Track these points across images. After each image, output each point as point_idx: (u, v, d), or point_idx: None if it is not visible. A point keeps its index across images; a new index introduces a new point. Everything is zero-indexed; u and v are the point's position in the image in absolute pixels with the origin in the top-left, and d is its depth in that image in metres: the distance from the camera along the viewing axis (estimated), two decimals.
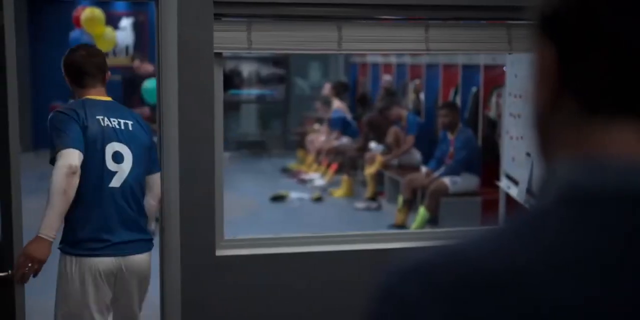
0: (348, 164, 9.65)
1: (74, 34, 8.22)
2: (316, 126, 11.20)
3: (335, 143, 10.37)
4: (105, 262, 3.20)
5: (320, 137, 10.76)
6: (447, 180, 7.36)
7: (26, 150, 12.85)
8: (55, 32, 12.64)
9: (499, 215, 6.01)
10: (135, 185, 3.30)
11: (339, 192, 9.26)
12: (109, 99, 3.43)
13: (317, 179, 10.00)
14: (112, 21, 10.22)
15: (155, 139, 3.44)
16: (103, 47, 8.43)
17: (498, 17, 3.78)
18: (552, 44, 0.73)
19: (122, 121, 3.32)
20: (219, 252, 3.59)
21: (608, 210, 0.67)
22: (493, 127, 7.66)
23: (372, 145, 9.64)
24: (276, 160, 11.85)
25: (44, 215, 3.05)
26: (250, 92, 13.77)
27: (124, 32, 11.33)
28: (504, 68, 6.18)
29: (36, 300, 4.79)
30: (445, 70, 8.98)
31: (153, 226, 3.43)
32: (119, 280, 3.28)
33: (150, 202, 3.46)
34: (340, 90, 11.19)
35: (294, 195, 9.15)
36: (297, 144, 11.68)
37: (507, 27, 3.78)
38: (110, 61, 11.30)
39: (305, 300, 3.67)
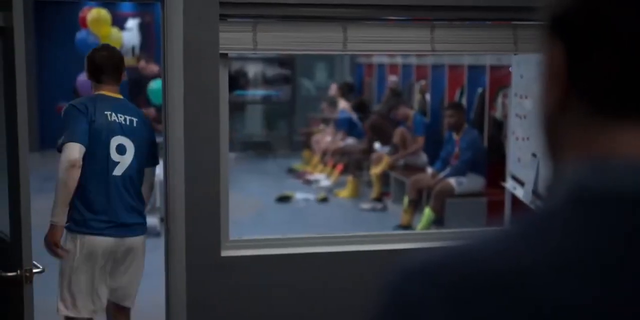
0: (353, 164, 9.65)
1: (80, 34, 8.24)
2: (322, 126, 11.21)
3: (340, 144, 10.38)
4: (105, 242, 3.50)
5: (325, 137, 10.77)
6: (452, 180, 7.36)
7: (32, 151, 12.88)
8: (62, 33, 12.67)
9: (505, 216, 6.01)
10: (135, 175, 3.60)
11: (344, 192, 9.26)
12: (120, 96, 3.72)
13: (323, 179, 10.00)
14: (119, 22, 10.24)
15: (158, 137, 3.83)
16: None
17: (504, 17, 3.79)
18: (561, 44, 0.73)
19: (127, 117, 3.60)
20: (224, 253, 3.60)
21: (613, 211, 0.68)
22: (499, 127, 7.66)
23: (377, 146, 9.65)
24: (282, 160, 11.86)
25: (53, 204, 3.53)
26: (256, 92, 13.78)
27: (130, 33, 11.35)
28: (510, 69, 6.18)
29: (45, 300, 4.80)
30: (451, 70, 8.98)
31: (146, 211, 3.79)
32: (116, 260, 3.58)
33: (145, 190, 3.73)
34: (346, 90, 11.21)
35: (299, 195, 9.16)
36: (303, 145, 11.69)
37: (513, 27, 3.79)
38: None
39: (309, 301, 3.68)
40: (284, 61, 13.71)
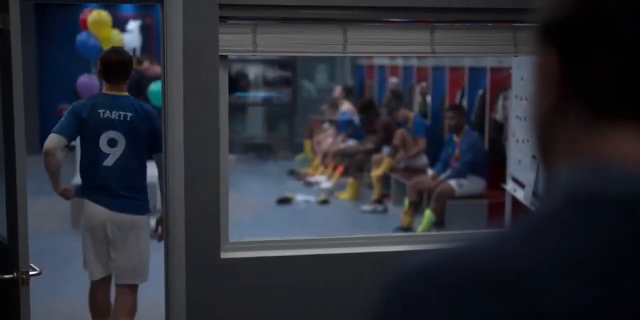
0: (354, 166, 9.64)
1: (81, 36, 8.24)
2: (327, 125, 11.20)
3: (341, 145, 10.37)
4: (100, 211, 3.99)
5: (327, 139, 10.76)
6: (453, 182, 7.35)
7: (32, 153, 12.87)
8: (62, 35, 12.68)
9: (505, 218, 6.00)
10: (129, 165, 3.99)
11: (345, 195, 9.25)
12: (123, 94, 4.07)
13: (324, 181, 10.00)
14: (119, 24, 10.25)
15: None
16: None
17: (504, 19, 3.78)
18: (554, 48, 0.75)
19: (122, 113, 3.97)
20: (224, 255, 3.59)
21: (612, 214, 0.69)
22: (499, 129, 7.65)
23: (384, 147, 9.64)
24: (282, 162, 11.85)
25: None
26: (257, 94, 13.78)
27: (131, 35, 11.36)
28: (510, 70, 6.17)
29: (41, 301, 4.80)
30: (451, 72, 8.97)
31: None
32: (114, 235, 3.99)
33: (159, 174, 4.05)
34: (348, 92, 11.23)
35: (300, 197, 9.15)
36: (304, 147, 11.69)
37: (513, 29, 3.78)
38: None
39: (309, 303, 3.67)
40: (284, 63, 13.71)
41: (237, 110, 12.54)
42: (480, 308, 0.68)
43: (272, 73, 13.86)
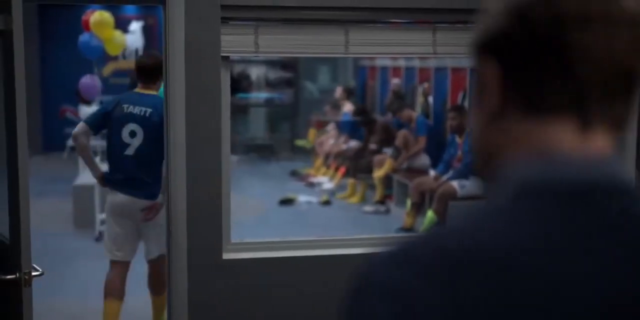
0: (355, 167, 9.64)
1: (83, 37, 8.25)
2: (329, 127, 11.20)
3: (344, 146, 10.37)
4: (120, 198, 4.49)
5: (329, 140, 10.76)
6: (455, 183, 7.35)
7: (35, 153, 12.88)
8: (65, 36, 12.69)
9: None
10: (147, 155, 4.45)
11: (353, 199, 9.22)
12: (151, 93, 4.60)
13: (326, 182, 10.00)
14: (122, 25, 10.25)
15: None
16: (112, 50, 8.44)
17: None
18: (495, 59, 0.86)
19: (143, 109, 4.50)
20: (226, 255, 3.59)
21: (559, 198, 0.80)
22: None
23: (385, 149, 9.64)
24: (284, 163, 11.86)
25: None
26: (259, 95, 13.79)
27: (134, 36, 11.36)
28: None
29: (42, 301, 4.81)
30: (453, 73, 8.97)
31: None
32: (132, 216, 4.48)
33: None
34: (349, 93, 11.22)
35: (302, 198, 9.15)
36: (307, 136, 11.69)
37: None
38: (119, 64, 11.28)
39: (311, 304, 3.67)
40: (286, 64, 13.72)
41: (239, 111, 12.54)
42: (450, 290, 0.75)
43: (274, 74, 13.87)
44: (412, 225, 7.57)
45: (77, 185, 7.89)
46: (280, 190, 9.54)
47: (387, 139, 9.57)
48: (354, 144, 10.35)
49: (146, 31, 12.49)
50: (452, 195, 7.30)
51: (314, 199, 9.18)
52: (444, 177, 7.57)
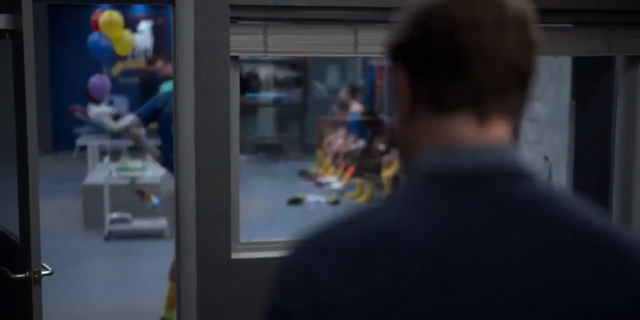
0: (364, 166, 9.63)
1: (92, 37, 8.27)
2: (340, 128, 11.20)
3: (352, 146, 10.37)
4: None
5: (337, 140, 10.76)
6: None
7: (45, 153, 12.92)
8: (74, 35, 12.72)
9: None
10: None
11: (362, 199, 9.21)
12: None
13: (334, 182, 9.99)
14: (131, 24, 10.27)
15: None
16: (121, 50, 8.46)
17: None
18: (403, 65, 0.97)
19: None
20: (235, 255, 3.60)
21: (457, 183, 0.91)
22: None
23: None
24: (293, 163, 11.86)
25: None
26: (268, 95, 13.79)
27: (143, 35, 11.39)
28: None
29: (51, 301, 4.82)
30: None
31: None
32: None
33: None
34: (354, 92, 11.21)
35: (311, 198, 9.15)
36: (315, 147, 11.69)
37: None
38: (128, 64, 11.31)
39: None
40: (295, 64, 13.72)
41: (248, 110, 12.55)
42: (358, 268, 0.85)
43: (283, 73, 13.87)
44: None
45: (87, 184, 7.92)
46: (289, 190, 9.55)
47: (395, 139, 9.54)
48: (362, 143, 10.35)
49: (155, 31, 12.51)
50: None
51: (322, 199, 9.18)
52: None
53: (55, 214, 8.04)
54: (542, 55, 3.94)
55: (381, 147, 9.93)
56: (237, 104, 3.58)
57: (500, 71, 0.94)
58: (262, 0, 3.49)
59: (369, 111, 10.79)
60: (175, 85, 3.53)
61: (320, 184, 10.04)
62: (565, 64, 4.83)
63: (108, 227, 7.33)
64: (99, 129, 9.80)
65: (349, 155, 10.18)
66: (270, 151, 12.76)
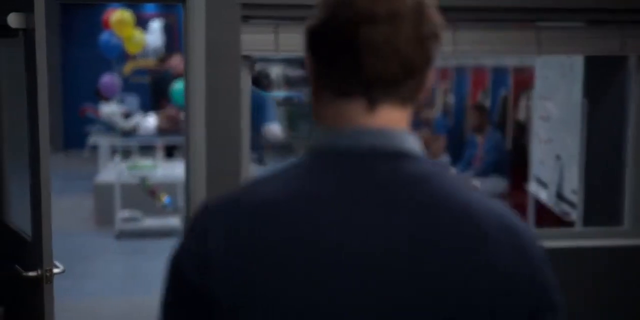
0: None
1: (103, 36, 8.29)
2: None
3: None
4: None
5: None
6: (475, 183, 7.32)
7: (56, 151, 12.96)
8: (86, 34, 12.75)
9: (528, 219, 5.96)
10: (252, 131, 5.49)
11: None
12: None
13: None
14: (142, 23, 10.29)
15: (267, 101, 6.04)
16: (131, 49, 8.48)
17: (526, 18, 3.76)
18: (311, 53, 1.08)
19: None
20: None
21: (338, 159, 1.02)
22: (521, 130, 7.61)
23: None
24: None
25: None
26: (278, 94, 13.79)
27: (153, 35, 11.41)
28: (534, 71, 6.12)
29: (64, 299, 4.83)
30: (474, 72, 8.94)
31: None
32: None
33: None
34: None
35: None
36: None
37: (536, 29, 3.76)
38: (139, 63, 11.33)
39: None
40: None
41: None
42: (242, 231, 0.98)
43: (294, 72, 13.87)
44: None
45: (98, 183, 7.94)
46: None
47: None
48: None
49: (167, 30, 12.53)
50: None
51: None
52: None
53: (66, 212, 8.06)
54: (555, 55, 3.92)
55: None
56: (248, 104, 3.58)
57: (391, 64, 1.03)
58: None
59: None
60: (186, 84, 3.53)
61: None
62: (576, 63, 4.81)
63: (119, 225, 7.35)
64: (109, 128, 9.82)
65: None
66: (280, 150, 12.77)
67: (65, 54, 13.50)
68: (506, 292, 0.98)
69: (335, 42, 1.04)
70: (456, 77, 9.60)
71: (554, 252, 3.92)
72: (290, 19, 3.58)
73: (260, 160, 6.04)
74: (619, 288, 3.97)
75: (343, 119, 1.06)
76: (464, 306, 0.95)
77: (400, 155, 1.03)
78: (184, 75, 3.57)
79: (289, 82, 13.88)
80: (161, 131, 8.93)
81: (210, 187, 3.50)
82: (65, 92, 13.54)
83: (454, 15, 3.70)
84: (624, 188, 4.14)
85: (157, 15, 12.72)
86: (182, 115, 8.62)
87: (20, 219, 2.95)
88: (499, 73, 8.12)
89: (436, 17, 1.07)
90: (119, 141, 8.96)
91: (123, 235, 7.38)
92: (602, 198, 4.60)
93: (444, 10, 3.66)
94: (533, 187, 5.78)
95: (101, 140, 8.98)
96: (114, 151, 9.59)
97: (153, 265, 4.87)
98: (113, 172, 8.17)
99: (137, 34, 8.33)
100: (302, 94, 13.85)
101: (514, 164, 7.33)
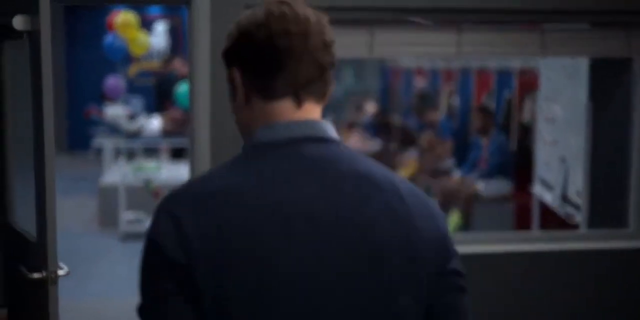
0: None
1: (107, 39, 8.30)
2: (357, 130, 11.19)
3: (368, 147, 10.36)
4: None
5: (353, 140, 10.75)
6: (479, 185, 7.31)
7: (61, 152, 12.98)
8: (90, 36, 12.77)
9: (533, 221, 5.95)
10: None
11: None
12: None
13: None
14: (147, 25, 10.31)
15: None
16: (136, 51, 8.49)
17: (531, 20, 3.75)
18: (237, 66, 1.31)
19: None
20: None
21: (275, 149, 1.26)
22: (526, 132, 7.60)
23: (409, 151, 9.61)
24: None
25: None
26: None
27: (158, 36, 11.43)
28: (538, 73, 6.11)
29: (68, 300, 4.84)
30: (478, 75, 8.93)
31: None
32: None
33: None
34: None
35: None
36: None
37: (541, 31, 3.75)
38: (143, 65, 11.38)
39: None
40: None
41: None
42: (208, 213, 1.17)
43: None
44: None
45: (103, 184, 7.95)
46: None
47: (408, 141, 9.54)
48: (377, 144, 10.33)
49: (171, 32, 12.54)
50: (476, 197, 7.26)
51: None
52: (469, 179, 7.53)
53: (70, 213, 8.08)
54: (560, 57, 3.92)
55: (394, 148, 9.92)
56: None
57: (307, 67, 1.29)
58: None
59: (378, 113, 10.79)
60: (190, 86, 3.53)
61: None
62: (581, 65, 4.81)
63: (123, 227, 7.36)
64: (114, 130, 9.84)
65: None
66: None
67: (70, 56, 13.53)
68: (423, 242, 1.27)
69: (261, 54, 1.28)
70: (461, 79, 9.59)
71: (559, 255, 3.91)
72: None
73: None
74: (623, 290, 3.96)
75: (276, 116, 1.30)
76: (392, 253, 1.24)
77: (326, 141, 1.29)
78: (189, 77, 3.58)
79: None
80: (166, 133, 8.94)
81: None
82: (69, 93, 13.56)
83: (459, 17, 3.70)
84: (629, 190, 4.13)
85: (162, 17, 12.73)
86: (186, 117, 8.64)
87: (25, 220, 2.96)
88: (504, 75, 8.12)
89: (330, 28, 1.34)
90: (123, 143, 8.97)
91: (127, 236, 7.39)
92: (607, 200, 4.59)
93: (449, 12, 3.66)
94: (538, 190, 5.77)
95: (106, 142, 9.00)
96: (118, 153, 9.60)
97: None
98: (117, 173, 8.18)
99: (142, 36, 8.35)
100: None
101: (518, 166, 7.32)
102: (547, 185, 5.54)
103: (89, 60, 13.12)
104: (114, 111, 10.01)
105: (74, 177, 10.25)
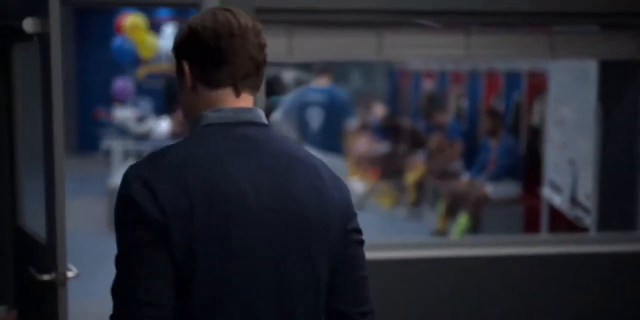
0: (387, 170, 9.60)
1: (116, 41, 8.32)
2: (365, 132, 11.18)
3: (376, 149, 10.34)
4: None
5: (361, 142, 10.74)
6: (488, 187, 7.30)
7: (70, 153, 13.02)
8: (99, 39, 12.81)
9: (542, 223, 5.93)
10: (328, 132, 6.54)
11: (385, 202, 9.18)
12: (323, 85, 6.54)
13: (358, 185, 9.97)
14: (155, 27, 10.33)
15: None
16: (145, 53, 8.51)
17: (540, 23, 3.75)
18: (185, 59, 1.59)
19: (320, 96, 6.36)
20: None
21: (222, 128, 1.55)
22: (535, 134, 7.58)
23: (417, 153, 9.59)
24: None
25: None
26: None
27: (167, 39, 11.44)
28: (547, 75, 6.10)
29: (77, 302, 4.84)
30: (487, 77, 8.91)
31: None
32: None
33: None
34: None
35: None
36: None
37: (549, 33, 3.74)
38: (152, 67, 11.35)
39: None
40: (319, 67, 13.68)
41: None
42: (176, 181, 1.44)
43: (307, 77, 13.87)
44: (444, 228, 7.53)
45: (111, 186, 7.96)
46: None
47: (416, 143, 9.54)
48: (385, 147, 10.32)
49: None
50: (485, 199, 7.25)
51: None
52: (477, 181, 7.52)
53: (79, 214, 8.09)
54: (569, 59, 3.90)
55: (404, 150, 9.91)
56: (262, 109, 3.58)
57: (246, 63, 1.57)
58: (287, 3, 3.49)
59: (386, 116, 10.79)
60: None
61: None
62: (590, 67, 4.79)
63: None
64: (122, 131, 9.86)
65: (372, 158, 10.15)
66: None
67: (79, 58, 13.57)
68: (334, 210, 1.57)
69: (207, 50, 1.55)
70: (470, 81, 9.57)
71: (567, 258, 3.90)
72: (304, 23, 3.58)
73: None
74: (633, 294, 3.94)
75: (220, 102, 1.57)
76: (313, 221, 1.54)
77: (261, 124, 1.59)
78: None
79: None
80: (174, 135, 8.95)
81: None
82: (79, 95, 13.60)
83: (467, 19, 3.70)
84: (639, 193, 4.11)
85: (171, 20, 12.75)
86: None
87: (34, 222, 2.97)
88: (513, 77, 8.09)
89: (263, 33, 1.61)
90: (132, 145, 8.99)
91: None
92: (616, 203, 4.58)
93: (457, 14, 3.66)
94: (547, 192, 5.75)
95: (114, 144, 9.02)
96: (127, 155, 9.62)
97: None
98: None
99: (151, 38, 8.37)
100: None
101: (527, 169, 7.29)
102: (556, 188, 5.52)
103: (98, 63, 13.16)
104: (123, 113, 10.04)
105: (83, 178, 10.28)
